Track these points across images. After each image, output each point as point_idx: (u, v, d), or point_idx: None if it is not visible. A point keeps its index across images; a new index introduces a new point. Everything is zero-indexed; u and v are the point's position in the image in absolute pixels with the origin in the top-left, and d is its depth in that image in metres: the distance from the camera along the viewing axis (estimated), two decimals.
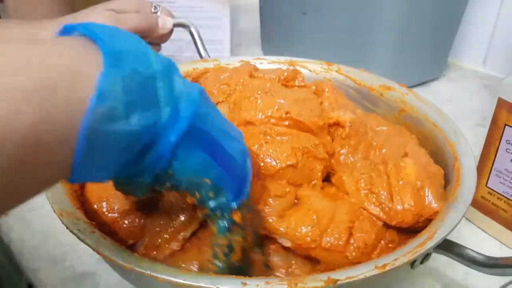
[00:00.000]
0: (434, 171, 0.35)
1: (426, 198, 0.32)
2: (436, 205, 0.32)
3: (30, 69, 0.18)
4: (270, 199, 0.32)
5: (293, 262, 0.31)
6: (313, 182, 0.36)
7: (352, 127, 0.40)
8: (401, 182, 0.34)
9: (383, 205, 0.34)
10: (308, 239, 0.30)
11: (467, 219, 0.44)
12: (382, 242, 0.32)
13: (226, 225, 0.26)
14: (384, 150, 0.37)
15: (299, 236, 0.30)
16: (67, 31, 0.22)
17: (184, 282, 0.24)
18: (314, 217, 0.31)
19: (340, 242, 0.30)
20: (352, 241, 0.31)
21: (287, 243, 0.31)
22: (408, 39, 0.59)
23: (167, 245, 0.31)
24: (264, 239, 0.32)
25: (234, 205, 0.26)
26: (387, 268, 0.25)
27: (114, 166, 0.22)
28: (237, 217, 0.26)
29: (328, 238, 0.30)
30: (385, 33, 0.58)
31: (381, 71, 0.48)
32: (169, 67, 0.23)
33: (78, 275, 0.37)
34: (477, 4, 0.67)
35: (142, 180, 0.24)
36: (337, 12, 0.59)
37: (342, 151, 0.39)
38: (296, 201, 0.33)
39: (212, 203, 0.26)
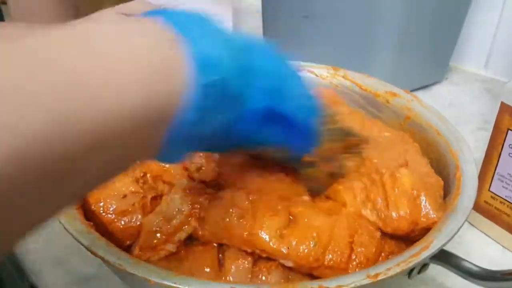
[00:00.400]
0: (433, 182, 0.35)
1: (423, 207, 0.32)
2: (434, 215, 0.31)
3: (134, 57, 0.19)
4: (264, 219, 0.31)
5: (292, 278, 0.31)
6: (303, 197, 0.36)
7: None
8: (396, 191, 0.33)
9: (379, 212, 0.33)
10: (311, 258, 0.29)
11: (470, 223, 0.44)
12: (383, 254, 0.32)
13: (301, 166, 0.33)
14: (375, 160, 0.37)
15: (301, 256, 0.30)
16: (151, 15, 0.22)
17: (175, 285, 0.24)
18: (315, 234, 0.30)
19: (343, 259, 0.30)
20: (353, 256, 0.30)
21: (289, 264, 0.30)
22: (409, 43, 0.59)
23: (162, 246, 0.31)
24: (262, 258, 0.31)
25: (301, 155, 0.31)
26: (379, 277, 0.24)
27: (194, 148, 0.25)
28: (308, 159, 0.32)
29: (330, 256, 0.30)
30: (386, 36, 0.58)
31: (382, 74, 0.48)
32: (255, 62, 0.25)
33: (81, 278, 0.37)
34: (479, 8, 0.67)
35: (217, 149, 0.28)
36: (338, 16, 0.59)
37: None
38: (291, 217, 0.32)
39: (281, 156, 0.31)
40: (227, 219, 0.31)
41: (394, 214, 0.32)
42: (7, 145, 0.14)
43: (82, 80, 0.16)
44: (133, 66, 0.18)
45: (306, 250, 0.29)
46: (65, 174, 0.16)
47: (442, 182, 0.35)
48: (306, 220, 0.31)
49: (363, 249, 0.31)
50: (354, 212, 0.34)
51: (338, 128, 0.34)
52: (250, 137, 0.27)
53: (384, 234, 0.33)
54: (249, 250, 0.31)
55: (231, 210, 0.31)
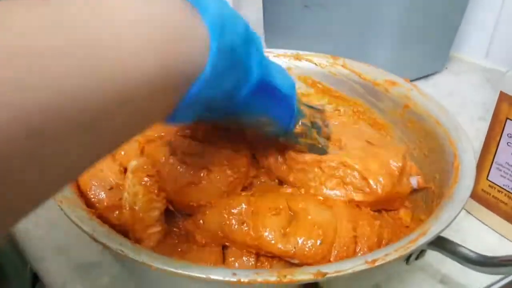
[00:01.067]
0: (398, 149, 0.37)
1: (387, 162, 0.34)
2: (414, 181, 0.33)
3: (152, 20, 0.20)
4: (265, 220, 0.31)
5: None
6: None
7: None
8: (366, 167, 0.35)
9: (362, 188, 0.34)
10: (318, 257, 0.30)
11: (467, 211, 0.44)
12: (383, 242, 0.32)
13: (291, 139, 0.35)
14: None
15: (308, 254, 0.30)
16: None
17: (177, 271, 0.24)
18: (320, 232, 0.30)
19: (348, 254, 0.30)
20: (358, 248, 0.31)
21: (295, 261, 0.30)
22: (410, 32, 0.59)
23: (147, 231, 0.31)
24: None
25: (287, 129, 0.34)
26: (377, 263, 0.25)
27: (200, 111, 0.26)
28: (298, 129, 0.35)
29: (336, 252, 0.30)
30: (387, 25, 0.58)
31: (382, 64, 0.48)
32: (252, 35, 0.27)
33: (83, 265, 0.38)
34: None
35: (212, 116, 0.30)
36: (339, 5, 0.59)
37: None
38: (291, 213, 0.32)
39: (268, 130, 0.33)
40: (227, 226, 0.31)
41: (374, 184, 0.34)
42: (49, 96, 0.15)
43: (109, 42, 0.18)
44: (159, 29, 0.20)
45: (313, 249, 0.29)
46: (95, 124, 0.18)
47: (404, 148, 0.38)
48: (309, 217, 0.31)
49: (366, 240, 0.31)
50: (343, 200, 0.35)
51: (305, 103, 0.38)
52: (247, 107, 0.29)
53: (382, 218, 0.33)
54: (253, 251, 0.31)
55: (230, 217, 0.31)
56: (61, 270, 0.37)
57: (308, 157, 0.36)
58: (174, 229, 0.34)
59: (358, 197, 0.35)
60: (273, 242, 0.30)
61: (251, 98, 0.28)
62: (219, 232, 0.32)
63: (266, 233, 0.30)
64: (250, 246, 0.31)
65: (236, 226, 0.31)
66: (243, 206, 0.32)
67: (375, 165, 0.35)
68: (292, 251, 0.30)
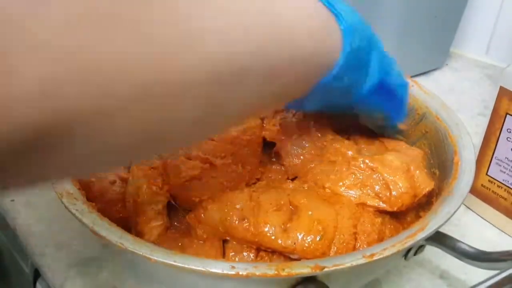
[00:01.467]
0: (415, 154, 0.36)
1: (417, 179, 0.33)
2: (428, 183, 0.32)
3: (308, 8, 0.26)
4: (267, 215, 0.31)
5: None
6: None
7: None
8: (388, 170, 0.34)
9: (381, 195, 0.34)
10: (318, 252, 0.29)
11: (467, 206, 0.44)
12: (385, 240, 0.32)
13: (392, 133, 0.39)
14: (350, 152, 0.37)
15: (308, 250, 0.29)
16: None
17: (176, 264, 0.24)
18: (320, 227, 0.30)
19: (348, 251, 0.30)
20: (358, 245, 0.31)
21: (295, 256, 0.30)
22: (410, 28, 0.59)
23: (150, 224, 0.31)
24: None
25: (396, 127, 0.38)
26: (375, 257, 0.25)
27: (322, 103, 0.30)
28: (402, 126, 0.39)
29: (335, 248, 0.30)
30: (387, 22, 0.58)
31: None
32: (375, 39, 0.31)
33: (83, 260, 0.38)
34: None
35: (330, 109, 0.34)
36: None
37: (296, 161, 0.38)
38: (292, 208, 0.32)
39: (380, 123, 0.37)
40: (227, 221, 0.31)
41: (395, 193, 0.33)
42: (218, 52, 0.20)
43: (280, 27, 0.23)
44: (314, 22, 0.25)
45: (313, 245, 0.29)
46: (274, 74, 0.23)
47: (422, 153, 0.36)
48: (310, 212, 0.31)
49: (366, 237, 0.31)
50: (355, 201, 0.34)
51: None
52: (364, 103, 0.32)
53: (384, 214, 0.33)
54: (253, 246, 0.31)
55: (231, 212, 0.31)
56: (62, 265, 0.38)
57: (353, 150, 0.37)
58: (175, 223, 0.34)
59: (372, 202, 0.34)
60: (273, 237, 0.30)
61: (369, 96, 0.31)
62: (219, 227, 0.32)
63: (267, 229, 0.30)
64: (250, 242, 0.31)
65: (237, 222, 0.31)
66: (245, 201, 0.32)
67: (401, 177, 0.34)
68: (292, 247, 0.29)
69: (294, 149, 0.38)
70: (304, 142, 0.38)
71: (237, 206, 0.31)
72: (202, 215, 0.32)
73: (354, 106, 0.33)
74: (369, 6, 0.57)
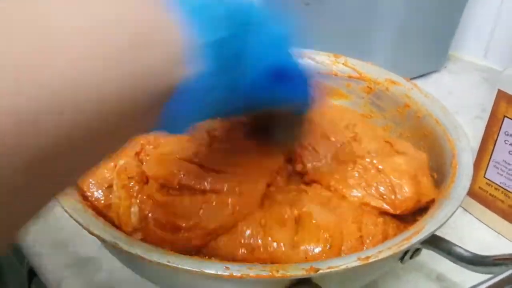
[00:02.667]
0: (422, 158, 0.35)
1: (423, 185, 0.33)
2: (433, 191, 0.32)
3: (121, 23, 0.17)
4: (274, 234, 0.30)
5: None
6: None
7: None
8: (396, 173, 0.34)
9: (385, 196, 0.34)
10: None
11: (464, 209, 0.44)
12: (390, 239, 0.32)
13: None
14: (360, 147, 0.37)
15: (320, 260, 0.29)
16: None
17: (169, 264, 0.24)
18: (327, 235, 0.30)
19: None
20: (365, 248, 0.30)
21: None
22: (409, 31, 0.59)
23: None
24: None
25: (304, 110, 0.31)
26: (370, 260, 0.25)
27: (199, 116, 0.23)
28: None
29: (344, 255, 0.29)
30: (386, 24, 0.58)
31: (382, 62, 0.48)
32: (256, 17, 0.24)
33: (80, 260, 0.38)
34: None
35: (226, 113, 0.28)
36: (339, 3, 0.59)
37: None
38: (296, 219, 0.31)
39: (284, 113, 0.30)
40: (238, 255, 0.30)
41: (400, 196, 0.33)
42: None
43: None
44: (114, 36, 0.17)
45: (324, 255, 0.29)
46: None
47: (426, 158, 0.36)
48: (313, 221, 0.31)
49: (371, 238, 0.31)
50: (357, 201, 0.34)
51: None
52: (259, 95, 0.26)
53: (384, 214, 0.33)
54: None
55: (239, 246, 0.30)
56: (58, 265, 0.37)
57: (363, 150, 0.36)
58: None
59: (375, 203, 0.34)
60: (284, 256, 0.29)
61: (263, 84, 0.25)
62: (229, 258, 0.30)
63: (277, 248, 0.29)
64: (263, 262, 0.29)
65: (246, 252, 0.30)
66: (253, 228, 0.30)
67: (408, 182, 0.34)
68: (304, 260, 0.29)
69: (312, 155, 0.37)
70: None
71: (246, 234, 0.30)
72: (211, 249, 0.30)
73: (252, 102, 0.26)
74: (369, 9, 0.57)
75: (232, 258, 0.29)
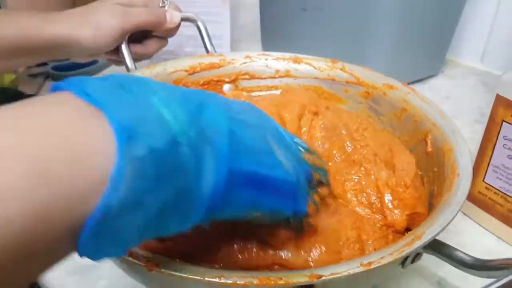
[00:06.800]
0: (414, 170, 0.36)
1: (410, 198, 0.34)
2: (423, 211, 0.33)
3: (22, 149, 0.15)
4: (279, 231, 0.29)
5: None
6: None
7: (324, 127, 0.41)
8: (388, 190, 0.35)
9: (375, 209, 0.34)
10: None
11: (464, 213, 0.44)
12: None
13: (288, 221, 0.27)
14: (365, 152, 0.38)
15: (320, 264, 0.29)
16: (58, 89, 0.19)
17: (172, 272, 0.24)
18: (324, 240, 0.30)
19: None
20: (366, 253, 0.31)
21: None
22: (406, 36, 0.59)
23: None
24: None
25: (291, 217, 0.27)
26: (372, 266, 0.25)
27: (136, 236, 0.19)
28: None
29: (345, 260, 0.30)
30: (384, 29, 0.58)
31: (379, 67, 0.48)
32: (194, 114, 0.20)
33: (81, 267, 0.38)
34: (476, 2, 0.67)
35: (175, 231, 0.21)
36: (336, 9, 0.59)
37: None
38: None
39: (270, 218, 0.26)
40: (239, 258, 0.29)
41: (389, 213, 0.34)
42: None
43: None
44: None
45: (327, 259, 0.29)
46: None
47: (414, 161, 0.37)
48: (314, 225, 0.31)
49: (371, 242, 0.31)
50: (350, 206, 0.35)
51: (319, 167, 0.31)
52: (222, 210, 0.22)
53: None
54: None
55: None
56: (60, 273, 0.37)
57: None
58: None
59: (363, 211, 0.35)
60: (284, 256, 0.29)
61: (223, 199, 0.21)
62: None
63: (282, 252, 0.29)
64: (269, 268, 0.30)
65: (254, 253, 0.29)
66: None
67: (397, 197, 0.35)
68: (307, 263, 0.29)
69: None
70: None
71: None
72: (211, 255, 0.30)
73: (208, 217, 0.22)
74: (366, 14, 0.58)
75: (233, 263, 0.29)
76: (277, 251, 0.29)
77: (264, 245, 0.29)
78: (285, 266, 0.29)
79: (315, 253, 0.30)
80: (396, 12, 0.57)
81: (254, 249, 0.29)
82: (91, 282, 0.37)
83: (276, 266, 0.29)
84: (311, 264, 0.29)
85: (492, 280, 0.25)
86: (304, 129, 0.41)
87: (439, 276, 0.38)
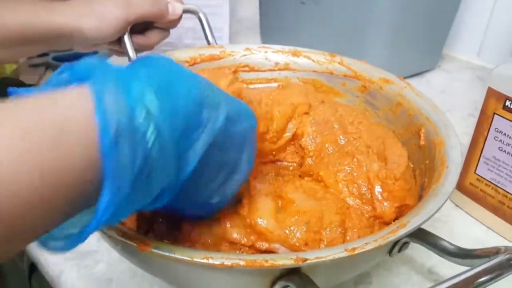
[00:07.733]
0: (406, 162, 0.37)
1: (401, 191, 0.34)
2: (411, 199, 0.33)
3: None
4: (260, 199, 0.31)
5: None
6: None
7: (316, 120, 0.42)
8: (378, 181, 0.36)
9: (365, 200, 0.35)
10: (307, 248, 0.30)
11: (455, 204, 0.45)
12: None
13: None
14: (358, 144, 0.39)
15: (295, 242, 0.30)
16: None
17: (162, 253, 0.24)
18: (305, 219, 0.31)
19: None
20: (348, 237, 0.32)
21: (282, 250, 0.30)
22: (403, 30, 0.60)
23: None
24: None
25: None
26: (356, 251, 0.25)
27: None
28: None
29: (325, 243, 0.31)
30: (381, 23, 0.59)
31: (376, 61, 0.49)
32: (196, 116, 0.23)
33: (79, 253, 0.39)
34: None
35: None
36: (334, 2, 0.60)
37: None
38: (280, 202, 0.33)
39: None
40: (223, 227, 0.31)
41: (379, 198, 0.35)
42: None
43: None
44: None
45: (300, 236, 0.30)
46: None
47: (411, 166, 0.38)
48: (295, 204, 0.32)
49: (356, 230, 0.32)
50: (341, 196, 0.35)
51: None
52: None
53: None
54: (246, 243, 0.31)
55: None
56: (58, 259, 0.38)
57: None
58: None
59: (353, 201, 0.36)
60: (259, 222, 0.31)
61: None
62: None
63: (259, 219, 0.31)
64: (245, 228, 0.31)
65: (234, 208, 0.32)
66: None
67: (386, 189, 0.35)
68: (281, 236, 0.30)
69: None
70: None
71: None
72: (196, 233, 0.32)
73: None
74: (363, 8, 0.58)
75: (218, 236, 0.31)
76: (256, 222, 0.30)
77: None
78: (264, 234, 0.30)
79: (295, 230, 0.30)
80: (393, 6, 0.57)
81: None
82: (89, 267, 0.38)
83: (255, 236, 0.31)
84: (290, 239, 0.30)
85: (467, 268, 0.26)
86: (293, 130, 0.42)
87: (430, 265, 0.39)
